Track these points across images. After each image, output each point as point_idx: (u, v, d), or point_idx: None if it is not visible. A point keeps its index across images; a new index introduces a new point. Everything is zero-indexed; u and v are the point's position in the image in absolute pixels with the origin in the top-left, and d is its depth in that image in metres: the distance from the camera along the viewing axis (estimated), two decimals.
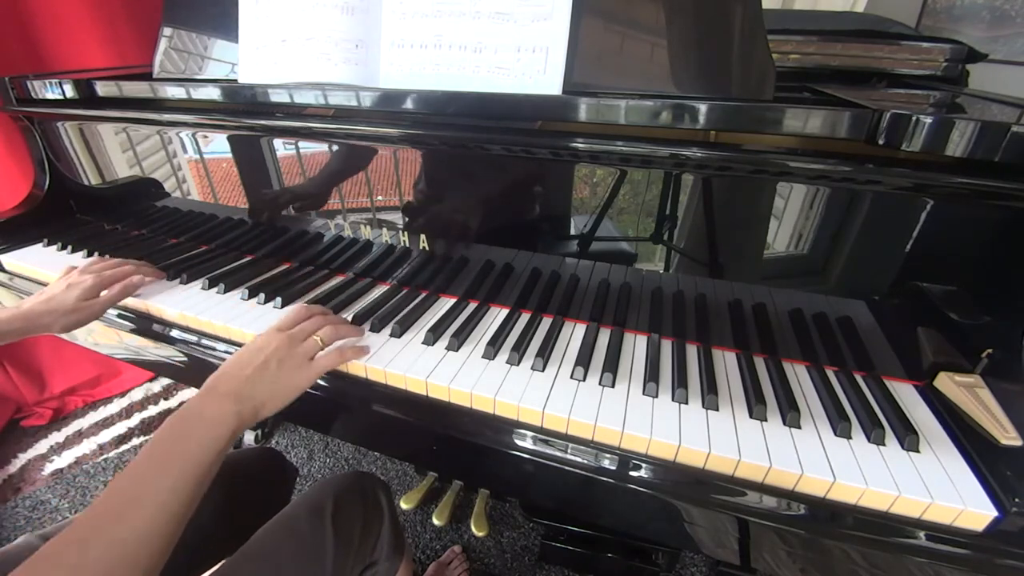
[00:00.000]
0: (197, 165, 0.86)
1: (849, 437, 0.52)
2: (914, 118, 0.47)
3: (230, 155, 0.82)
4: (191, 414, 0.47)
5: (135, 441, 1.49)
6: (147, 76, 0.88)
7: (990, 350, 0.54)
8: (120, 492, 0.41)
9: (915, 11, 1.20)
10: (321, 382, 0.64)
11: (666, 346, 0.66)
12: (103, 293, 0.73)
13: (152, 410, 1.60)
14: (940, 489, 0.46)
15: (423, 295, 0.76)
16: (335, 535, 0.62)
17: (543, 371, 0.61)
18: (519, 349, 0.63)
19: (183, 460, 0.43)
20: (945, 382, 0.56)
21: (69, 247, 0.93)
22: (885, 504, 0.46)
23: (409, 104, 0.64)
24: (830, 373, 0.61)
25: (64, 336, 0.90)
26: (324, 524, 0.62)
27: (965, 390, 0.54)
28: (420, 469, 1.35)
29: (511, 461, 0.57)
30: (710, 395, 0.56)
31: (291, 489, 0.83)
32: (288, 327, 0.58)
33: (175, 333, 0.74)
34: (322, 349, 0.58)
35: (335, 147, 0.74)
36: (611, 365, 0.60)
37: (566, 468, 0.54)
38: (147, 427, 1.53)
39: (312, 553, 0.61)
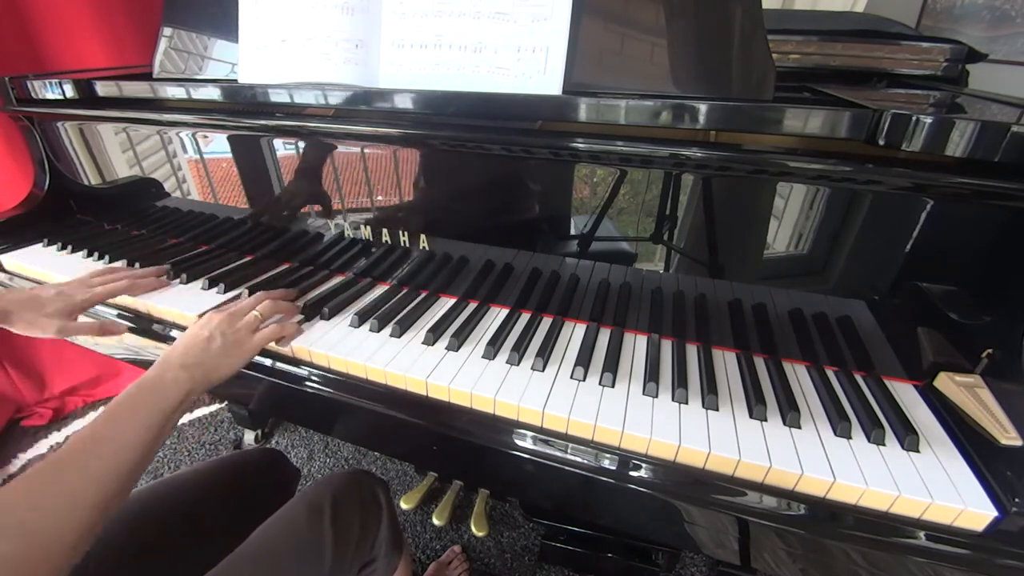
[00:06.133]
0: (197, 165, 0.86)
1: (849, 437, 0.52)
2: (914, 118, 0.47)
3: (230, 155, 0.82)
4: (148, 381, 0.52)
5: None
6: (147, 76, 0.87)
7: (990, 350, 0.54)
8: (81, 445, 0.44)
9: (915, 11, 1.20)
10: (321, 383, 0.64)
11: (666, 346, 0.66)
12: (81, 318, 0.70)
13: None
14: (940, 489, 0.46)
15: (423, 295, 0.76)
16: (334, 533, 0.62)
17: (543, 371, 0.61)
18: (519, 349, 0.63)
19: (141, 418, 0.48)
20: (945, 382, 0.56)
21: (69, 247, 0.93)
22: (885, 504, 0.46)
23: (409, 104, 0.65)
24: (830, 373, 0.61)
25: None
26: (322, 522, 0.62)
27: (965, 390, 0.54)
28: (420, 469, 1.35)
29: (511, 461, 0.57)
30: (710, 395, 0.56)
31: (293, 491, 0.83)
32: (228, 309, 0.64)
33: (175, 333, 0.74)
34: (263, 323, 0.64)
35: (334, 147, 0.74)
36: (611, 365, 0.60)
37: (566, 468, 0.54)
38: None
39: (310, 551, 0.61)
